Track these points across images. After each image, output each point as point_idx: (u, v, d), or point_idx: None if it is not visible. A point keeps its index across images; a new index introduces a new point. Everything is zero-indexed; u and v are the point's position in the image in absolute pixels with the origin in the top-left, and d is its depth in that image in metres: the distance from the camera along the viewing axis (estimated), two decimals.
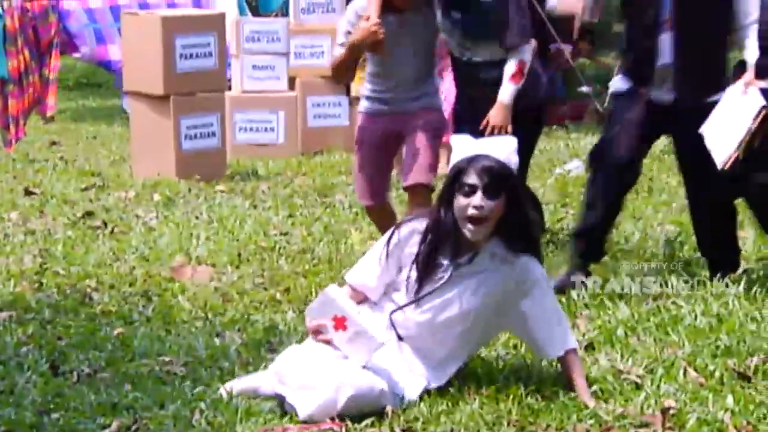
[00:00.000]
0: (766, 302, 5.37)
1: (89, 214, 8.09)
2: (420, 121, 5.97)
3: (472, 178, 4.09)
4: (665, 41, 5.36)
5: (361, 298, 4.35)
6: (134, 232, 7.45)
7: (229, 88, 10.83)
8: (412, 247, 4.27)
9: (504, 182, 4.11)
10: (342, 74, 6.23)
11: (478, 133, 5.33)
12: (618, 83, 5.71)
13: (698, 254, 6.06)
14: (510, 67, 5.84)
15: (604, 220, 5.74)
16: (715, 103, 5.35)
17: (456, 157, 4.20)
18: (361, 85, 6.96)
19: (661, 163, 9.03)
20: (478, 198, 4.07)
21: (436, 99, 6.20)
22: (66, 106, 16.41)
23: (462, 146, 4.22)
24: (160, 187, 9.07)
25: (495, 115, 5.82)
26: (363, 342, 4.06)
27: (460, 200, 4.11)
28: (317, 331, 4.16)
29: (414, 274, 4.23)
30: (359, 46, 5.84)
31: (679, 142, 5.74)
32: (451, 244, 4.20)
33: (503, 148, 4.19)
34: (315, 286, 5.86)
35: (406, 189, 6.08)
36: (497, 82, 5.86)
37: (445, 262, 4.21)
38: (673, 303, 5.40)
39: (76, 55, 12.14)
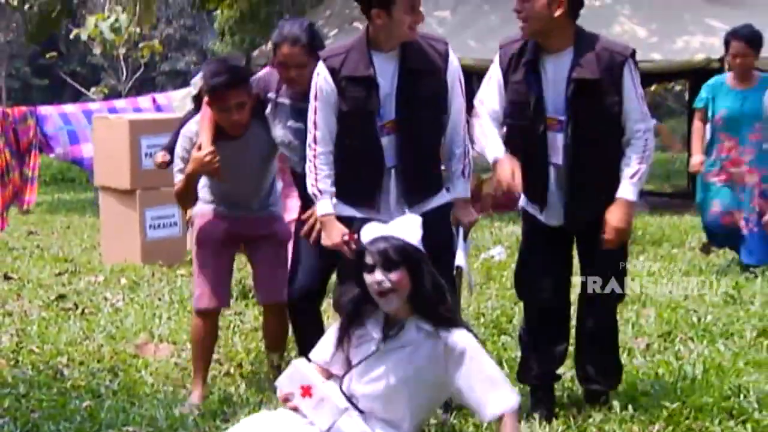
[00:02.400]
0: (665, 373, 5.41)
1: (62, 296, 8.02)
2: (265, 232, 5.44)
3: (369, 258, 4.10)
4: (387, 145, 4.71)
5: (327, 375, 4.25)
6: (102, 313, 7.38)
7: None
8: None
9: (400, 256, 4.08)
10: (187, 201, 5.46)
11: (318, 248, 4.98)
12: (329, 207, 4.77)
13: None
14: None
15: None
16: (434, 209, 4.79)
17: (362, 240, 4.19)
18: None
19: None
20: (378, 273, 4.07)
21: (278, 207, 5.60)
22: (42, 199, 16.33)
23: (368, 232, 4.20)
24: (126, 272, 9.04)
25: None
26: (326, 407, 4.04)
27: (366, 278, 4.12)
28: (287, 399, 4.14)
29: (347, 347, 4.22)
30: (195, 175, 5.23)
31: None
32: (378, 318, 4.18)
33: (404, 227, 4.18)
34: (265, 361, 5.83)
35: (263, 305, 5.59)
36: None
37: (376, 336, 4.19)
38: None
39: (52, 155, 12.14)
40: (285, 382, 4.13)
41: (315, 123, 4.76)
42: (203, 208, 5.47)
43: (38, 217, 13.76)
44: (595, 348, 4.94)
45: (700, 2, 14.78)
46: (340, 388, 4.19)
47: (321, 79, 4.73)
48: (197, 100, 6.53)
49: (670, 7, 14.84)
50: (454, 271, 4.84)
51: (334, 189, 4.75)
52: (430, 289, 4.13)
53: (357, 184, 4.77)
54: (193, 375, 5.40)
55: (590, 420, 4.72)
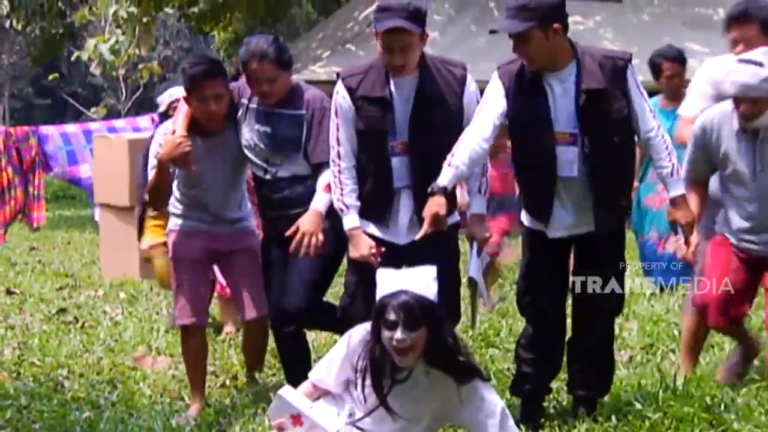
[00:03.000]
0: (647, 385, 5.40)
1: (62, 310, 8.00)
2: (239, 247, 5.27)
3: (392, 315, 3.96)
4: (399, 165, 4.75)
5: (322, 393, 4.22)
6: (102, 326, 7.36)
7: None
8: (361, 356, 4.13)
9: (423, 314, 3.95)
10: (158, 197, 5.23)
11: (285, 258, 5.01)
12: (356, 221, 4.82)
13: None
14: (324, 179, 4.93)
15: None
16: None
17: (380, 291, 4.04)
18: (152, 238, 6.77)
19: None
20: (399, 332, 3.94)
21: (250, 222, 5.42)
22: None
23: (385, 280, 4.06)
24: (125, 287, 9.02)
25: (306, 222, 4.85)
26: None
27: (385, 333, 3.98)
28: (281, 428, 4.09)
29: (361, 388, 4.13)
30: (167, 160, 4.98)
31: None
32: (388, 365, 4.06)
33: (422, 280, 4.02)
34: (259, 374, 5.81)
35: (247, 322, 5.41)
36: (299, 202, 5.00)
37: (386, 379, 4.08)
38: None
39: (50, 174, 12.15)
40: (275, 413, 4.11)
41: (338, 139, 4.81)
42: (175, 223, 5.32)
43: (40, 233, 13.69)
44: (591, 355, 4.93)
45: (678, 27, 14.94)
46: (346, 424, 4.12)
47: (339, 97, 4.79)
48: (164, 117, 6.45)
49: (650, 31, 14.96)
50: (467, 282, 4.86)
51: (358, 203, 4.80)
52: (447, 347, 4.04)
53: (368, 201, 4.82)
54: (190, 389, 5.38)
55: (575, 430, 4.71)
